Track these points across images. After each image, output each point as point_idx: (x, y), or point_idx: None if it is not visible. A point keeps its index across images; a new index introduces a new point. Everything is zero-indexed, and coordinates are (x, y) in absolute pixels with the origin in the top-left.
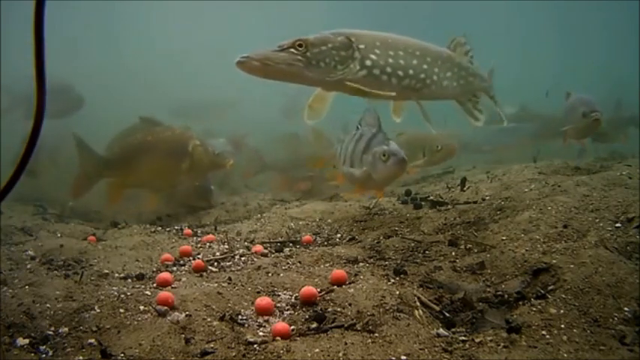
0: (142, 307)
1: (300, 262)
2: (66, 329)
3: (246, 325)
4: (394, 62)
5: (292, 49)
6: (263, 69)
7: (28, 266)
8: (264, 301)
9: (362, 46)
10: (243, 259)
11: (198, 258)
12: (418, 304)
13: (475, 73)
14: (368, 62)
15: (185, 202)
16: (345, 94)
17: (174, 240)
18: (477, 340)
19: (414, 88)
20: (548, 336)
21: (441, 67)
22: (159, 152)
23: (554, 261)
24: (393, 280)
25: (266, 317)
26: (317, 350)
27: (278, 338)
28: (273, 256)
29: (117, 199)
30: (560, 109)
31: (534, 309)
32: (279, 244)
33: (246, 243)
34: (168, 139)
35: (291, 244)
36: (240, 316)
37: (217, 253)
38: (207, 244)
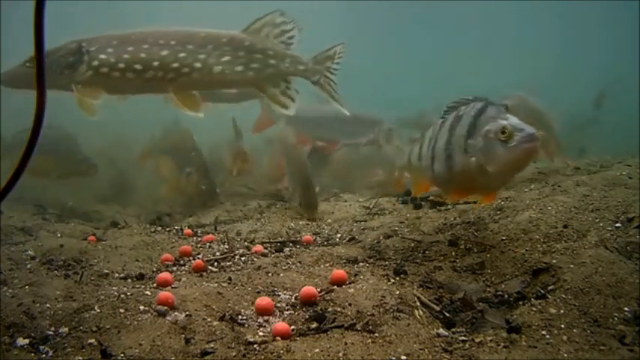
0: (142, 307)
1: (300, 262)
2: (66, 329)
3: (246, 325)
4: (130, 57)
5: (27, 63)
6: (7, 83)
7: (28, 266)
8: (264, 301)
9: (92, 49)
10: (243, 259)
11: (198, 258)
12: (418, 304)
13: (282, 56)
14: (95, 62)
15: (193, 200)
16: (99, 94)
17: (174, 240)
18: (477, 340)
19: (163, 79)
20: (548, 336)
21: (212, 53)
22: None
23: (554, 261)
24: (393, 280)
25: (266, 317)
26: (317, 350)
27: (278, 338)
28: (273, 256)
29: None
30: None
31: (534, 309)
32: (279, 244)
33: (246, 243)
34: None
35: (291, 244)
36: (240, 316)
37: (217, 253)
38: (207, 244)
